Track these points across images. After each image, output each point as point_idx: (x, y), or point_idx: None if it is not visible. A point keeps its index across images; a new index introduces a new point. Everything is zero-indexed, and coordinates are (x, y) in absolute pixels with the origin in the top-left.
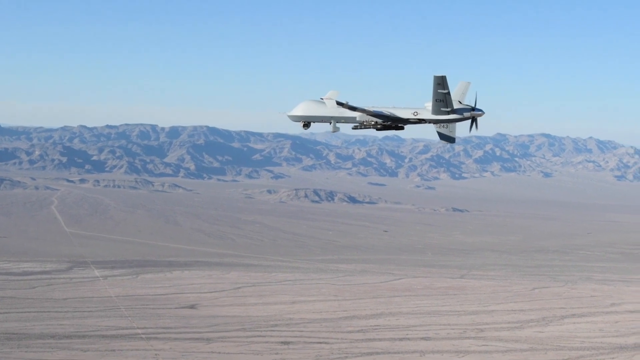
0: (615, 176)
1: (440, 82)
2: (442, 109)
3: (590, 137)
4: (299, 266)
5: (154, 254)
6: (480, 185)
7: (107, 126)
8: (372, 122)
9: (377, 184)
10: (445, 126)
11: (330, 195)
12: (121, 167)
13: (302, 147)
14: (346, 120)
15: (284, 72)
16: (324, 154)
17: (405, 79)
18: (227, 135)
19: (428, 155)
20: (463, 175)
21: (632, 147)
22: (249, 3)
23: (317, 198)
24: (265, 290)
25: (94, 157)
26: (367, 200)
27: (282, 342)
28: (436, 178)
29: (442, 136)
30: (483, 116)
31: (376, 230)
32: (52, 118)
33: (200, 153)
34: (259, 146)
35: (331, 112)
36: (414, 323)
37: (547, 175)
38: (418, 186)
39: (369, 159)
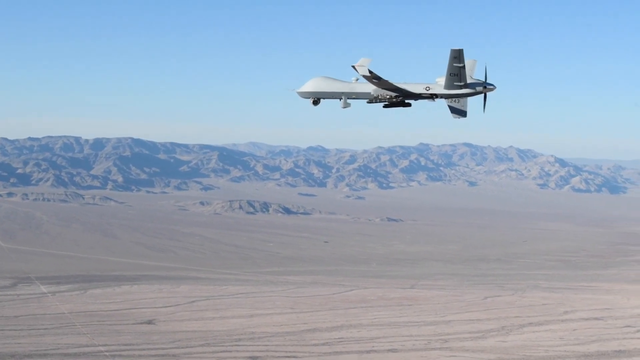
0: (538, 184)
1: (457, 56)
2: (455, 83)
3: (511, 146)
4: (248, 279)
5: (97, 269)
6: (409, 195)
7: (30, 138)
8: (387, 96)
9: (307, 195)
10: (457, 101)
11: (265, 207)
12: (47, 180)
13: (229, 158)
14: (357, 95)
15: (207, 81)
16: (251, 165)
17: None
18: (152, 146)
19: (355, 166)
20: (390, 185)
21: (552, 155)
22: (170, 12)
23: (251, 209)
24: (220, 304)
25: (19, 170)
26: (301, 211)
27: (249, 357)
28: (364, 188)
29: (454, 110)
30: (493, 91)
31: (317, 241)
32: None
33: (126, 165)
34: (185, 157)
35: (342, 88)
36: (377, 335)
37: (472, 184)
38: (348, 196)
39: (296, 169)
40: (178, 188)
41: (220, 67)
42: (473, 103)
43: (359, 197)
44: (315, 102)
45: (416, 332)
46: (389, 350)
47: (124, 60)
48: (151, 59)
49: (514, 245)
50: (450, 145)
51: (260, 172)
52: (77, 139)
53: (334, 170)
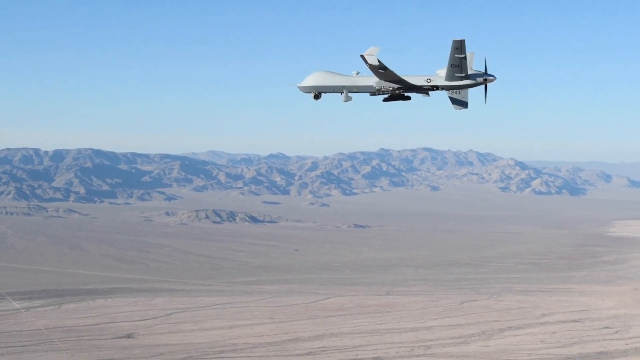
0: (500, 187)
1: (459, 47)
2: (456, 74)
3: (471, 150)
4: (223, 289)
5: (69, 282)
6: (372, 201)
7: None
8: (390, 88)
9: (271, 203)
10: (458, 92)
11: (231, 216)
12: (9, 193)
13: (191, 168)
14: (359, 89)
15: (164, 91)
16: (214, 174)
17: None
18: (113, 157)
19: (317, 172)
20: (354, 191)
21: (512, 158)
22: (129, 23)
23: (218, 219)
24: (198, 316)
25: None
26: (268, 219)
27: None
28: (328, 195)
29: (455, 101)
30: (494, 81)
31: (287, 250)
32: None
33: (88, 176)
34: (146, 167)
35: (343, 82)
36: (359, 343)
37: (434, 188)
38: (312, 203)
39: (259, 177)
40: (141, 198)
41: (176, 77)
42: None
43: (324, 204)
44: (317, 97)
45: (398, 339)
46: (373, 358)
47: (81, 71)
48: (108, 70)
49: (482, 249)
50: (411, 150)
51: (223, 181)
52: (37, 151)
53: (296, 178)
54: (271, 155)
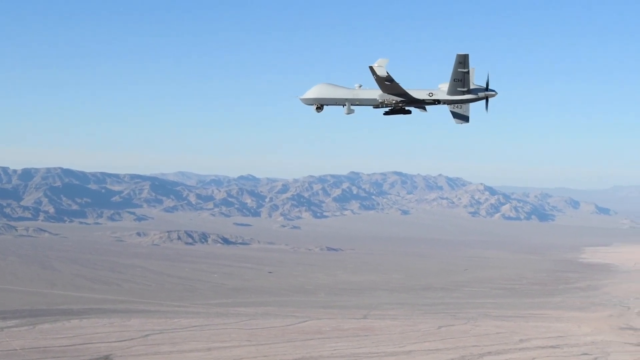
0: (469, 212)
1: (462, 61)
2: (458, 88)
3: (440, 175)
4: (198, 311)
5: (42, 302)
6: (343, 224)
7: None
8: (393, 102)
9: (242, 225)
10: (459, 106)
11: (203, 237)
12: None
13: (161, 188)
14: (361, 102)
15: (134, 110)
16: (184, 195)
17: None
18: (82, 176)
19: (288, 195)
20: (324, 214)
21: (481, 183)
22: (97, 40)
23: (190, 240)
24: (175, 338)
25: None
26: (240, 241)
27: None
28: (299, 217)
29: (456, 115)
30: (495, 96)
31: (260, 272)
32: None
33: (57, 195)
34: (116, 187)
35: (346, 94)
36: None
37: (404, 212)
38: (283, 226)
39: (229, 199)
40: (111, 219)
41: (144, 96)
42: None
43: (295, 227)
44: (319, 109)
45: None
46: None
47: (50, 89)
48: (77, 88)
49: (455, 273)
50: (381, 173)
51: (194, 202)
52: (5, 169)
53: (267, 200)
54: (241, 177)
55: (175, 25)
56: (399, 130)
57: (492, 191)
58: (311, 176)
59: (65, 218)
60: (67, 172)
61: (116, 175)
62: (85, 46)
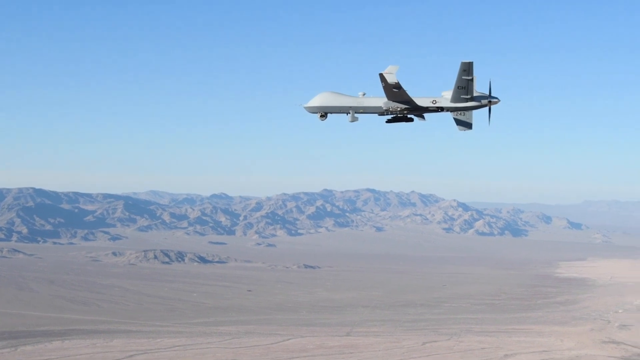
0: (443, 228)
1: (467, 69)
2: (462, 96)
3: (413, 191)
4: (181, 330)
5: (22, 324)
6: (318, 241)
7: None
8: (398, 109)
9: (218, 243)
10: (462, 113)
11: (180, 256)
12: None
13: (135, 207)
14: (365, 110)
15: (103, 130)
16: (157, 214)
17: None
18: (55, 196)
19: (262, 213)
20: (299, 231)
21: (454, 200)
22: (64, 59)
23: (166, 259)
24: (160, 358)
25: None
26: (217, 259)
27: None
28: (274, 235)
29: (460, 122)
30: (498, 103)
31: (239, 290)
32: None
33: (30, 216)
34: (89, 207)
35: (350, 102)
36: None
37: (379, 229)
38: (259, 244)
39: (204, 217)
40: (85, 238)
41: (114, 115)
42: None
43: (270, 245)
44: (323, 117)
45: None
46: None
47: (20, 109)
48: (47, 108)
49: (434, 289)
50: (354, 191)
51: (168, 221)
52: None
53: (241, 218)
54: (214, 196)
55: (143, 45)
56: (370, 147)
57: (465, 207)
58: (284, 194)
59: (39, 238)
60: (39, 192)
61: (89, 195)
62: (55, 66)
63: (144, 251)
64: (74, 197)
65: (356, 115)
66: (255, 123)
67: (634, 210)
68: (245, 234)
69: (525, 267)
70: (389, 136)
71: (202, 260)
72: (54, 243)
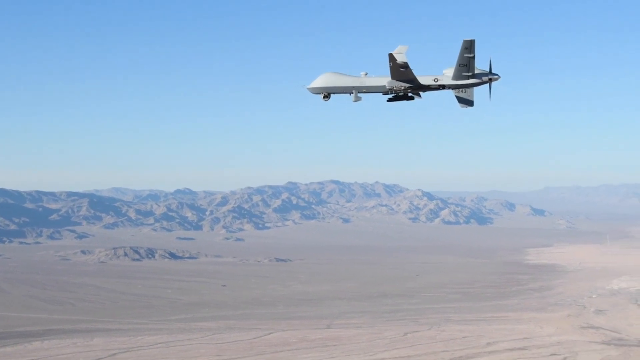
0: (410, 218)
1: (468, 47)
2: (464, 73)
3: (377, 182)
4: (160, 327)
5: None
6: (286, 234)
7: None
8: (402, 88)
9: (185, 239)
10: (464, 91)
11: (150, 253)
12: None
13: (99, 205)
14: (368, 89)
15: (63, 127)
16: (123, 211)
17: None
18: (17, 196)
19: (229, 207)
20: (266, 225)
21: (419, 189)
22: (27, 62)
23: (137, 256)
24: (143, 355)
25: None
26: (187, 255)
27: None
28: (241, 229)
29: (461, 100)
30: (498, 80)
31: (214, 286)
32: None
33: None
34: (53, 206)
35: (353, 82)
36: None
37: (346, 221)
38: (227, 238)
39: (170, 213)
40: (51, 237)
41: (75, 112)
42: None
43: (238, 239)
44: (326, 97)
45: None
46: None
47: None
48: (4, 107)
49: (407, 279)
50: (318, 183)
51: (134, 218)
52: None
53: (207, 213)
54: (178, 191)
55: (103, 42)
56: (333, 139)
57: (430, 196)
58: (249, 187)
59: (5, 238)
60: (2, 192)
61: (52, 194)
62: (13, 64)
63: (114, 248)
64: (37, 196)
65: (359, 95)
66: (215, 117)
67: (595, 196)
68: (212, 229)
69: (494, 255)
70: (351, 127)
71: (173, 256)
72: (20, 243)
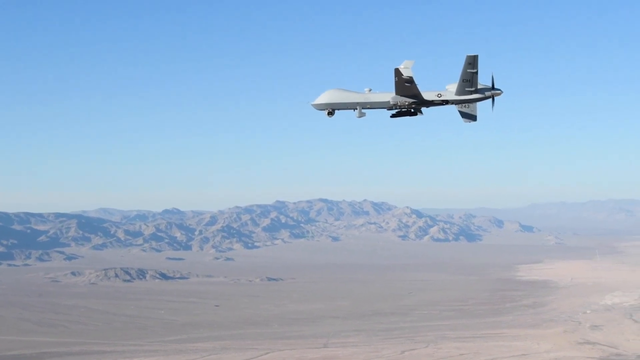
0: (399, 236)
1: (472, 62)
2: (466, 88)
3: (365, 200)
4: (156, 349)
5: None
6: (276, 253)
7: None
8: (406, 103)
9: (175, 259)
10: (467, 106)
11: (141, 273)
12: None
13: (88, 226)
14: (372, 105)
15: (48, 149)
16: (112, 232)
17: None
18: (5, 217)
19: (218, 227)
20: (256, 244)
21: (407, 207)
22: (14, 82)
23: (127, 277)
24: None
25: None
26: (178, 275)
27: None
28: (230, 249)
29: (465, 115)
30: (500, 95)
31: (207, 306)
32: None
33: None
34: (42, 227)
35: (357, 98)
36: None
37: (335, 239)
38: (217, 258)
39: (158, 233)
40: (40, 259)
41: (58, 133)
42: None
43: (228, 258)
44: (330, 114)
45: None
46: None
47: None
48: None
49: (401, 297)
50: (307, 201)
51: (122, 238)
52: None
53: (196, 233)
54: (166, 211)
55: (87, 61)
56: (320, 157)
57: (418, 214)
58: (237, 207)
59: None
60: None
61: (40, 215)
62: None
63: (104, 270)
64: (25, 218)
65: (363, 110)
66: (202, 137)
67: (582, 211)
68: (202, 249)
69: (485, 272)
70: (338, 145)
71: (164, 276)
72: (9, 265)
